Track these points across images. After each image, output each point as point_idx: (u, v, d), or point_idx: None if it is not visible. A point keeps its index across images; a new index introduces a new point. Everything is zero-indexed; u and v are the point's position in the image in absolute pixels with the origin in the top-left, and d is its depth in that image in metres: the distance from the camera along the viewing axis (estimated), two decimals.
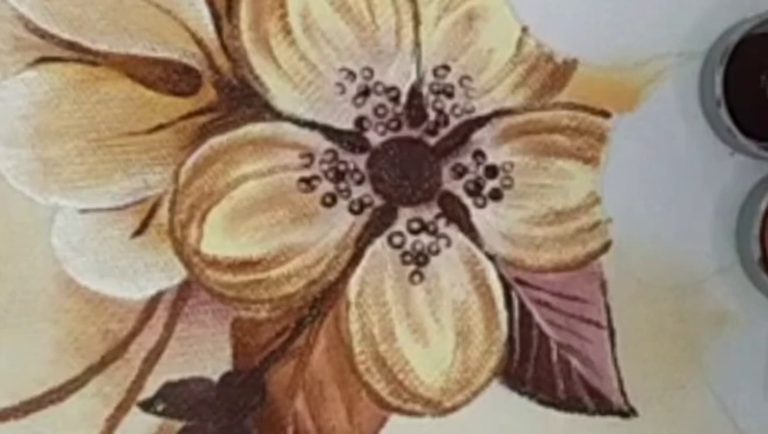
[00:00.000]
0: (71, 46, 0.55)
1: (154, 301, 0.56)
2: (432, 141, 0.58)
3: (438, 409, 0.58)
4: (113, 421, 0.56)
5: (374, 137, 0.58)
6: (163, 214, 0.56)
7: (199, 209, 0.56)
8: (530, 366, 0.58)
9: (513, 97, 0.58)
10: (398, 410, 0.58)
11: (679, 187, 0.60)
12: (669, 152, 0.59)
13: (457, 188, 0.58)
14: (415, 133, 0.58)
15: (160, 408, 0.56)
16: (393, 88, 0.58)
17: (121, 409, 0.56)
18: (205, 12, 0.56)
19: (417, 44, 0.58)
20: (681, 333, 0.60)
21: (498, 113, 0.58)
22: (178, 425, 0.56)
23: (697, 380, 0.60)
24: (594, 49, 0.58)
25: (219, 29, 0.56)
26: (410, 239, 0.58)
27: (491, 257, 0.58)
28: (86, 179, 0.55)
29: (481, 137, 0.58)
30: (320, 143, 0.57)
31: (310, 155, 0.57)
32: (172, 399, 0.56)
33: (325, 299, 0.57)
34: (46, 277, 0.55)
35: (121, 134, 0.56)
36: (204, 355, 0.56)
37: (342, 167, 0.57)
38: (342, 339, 0.57)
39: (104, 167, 0.56)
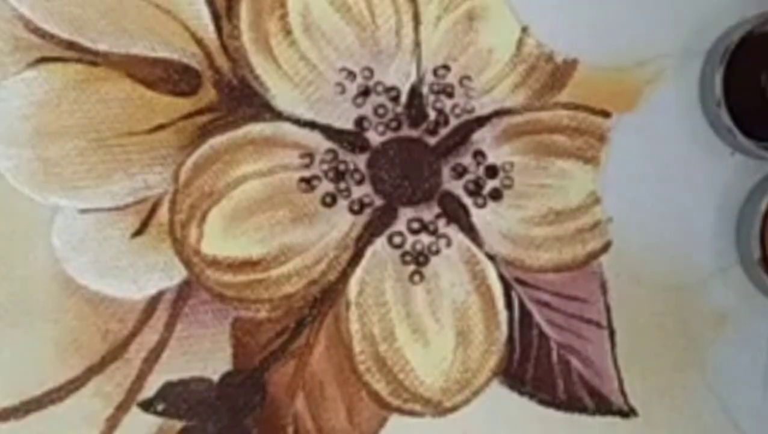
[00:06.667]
0: (71, 46, 0.55)
1: (154, 301, 0.56)
2: (432, 141, 0.58)
3: (438, 409, 0.58)
4: (113, 421, 0.56)
5: (374, 137, 0.58)
6: (163, 214, 0.56)
7: (199, 209, 0.56)
8: (530, 366, 0.58)
9: (513, 97, 0.58)
10: (398, 410, 0.58)
11: (679, 187, 0.60)
12: (669, 152, 0.59)
13: (457, 188, 0.58)
14: (415, 133, 0.58)
15: (160, 408, 0.56)
16: (393, 88, 0.58)
17: (121, 409, 0.56)
18: (205, 12, 0.56)
19: (417, 44, 0.58)
20: (681, 333, 0.60)
21: (498, 113, 0.58)
22: (178, 425, 0.56)
23: (697, 380, 0.60)
24: (594, 49, 0.58)
25: (219, 29, 0.56)
26: (410, 239, 0.58)
27: (491, 257, 0.58)
28: (86, 179, 0.55)
29: (481, 136, 0.58)
30: (320, 143, 0.57)
31: (310, 155, 0.57)
32: (172, 399, 0.56)
33: (325, 299, 0.57)
34: (46, 277, 0.55)
35: (121, 134, 0.56)
36: (204, 355, 0.56)
37: (342, 167, 0.57)
38: (342, 339, 0.57)
39: (104, 167, 0.56)
